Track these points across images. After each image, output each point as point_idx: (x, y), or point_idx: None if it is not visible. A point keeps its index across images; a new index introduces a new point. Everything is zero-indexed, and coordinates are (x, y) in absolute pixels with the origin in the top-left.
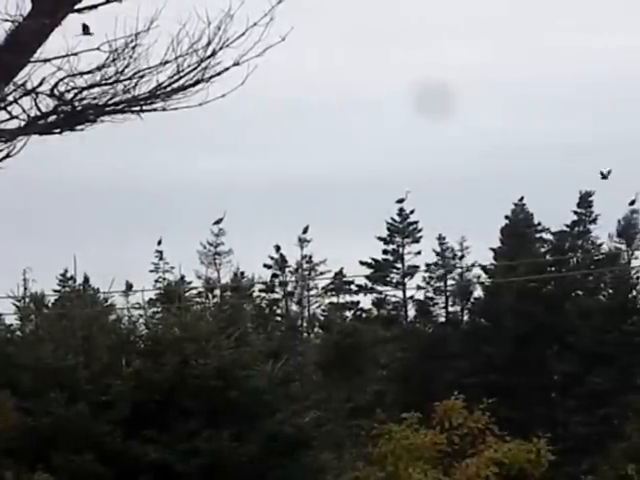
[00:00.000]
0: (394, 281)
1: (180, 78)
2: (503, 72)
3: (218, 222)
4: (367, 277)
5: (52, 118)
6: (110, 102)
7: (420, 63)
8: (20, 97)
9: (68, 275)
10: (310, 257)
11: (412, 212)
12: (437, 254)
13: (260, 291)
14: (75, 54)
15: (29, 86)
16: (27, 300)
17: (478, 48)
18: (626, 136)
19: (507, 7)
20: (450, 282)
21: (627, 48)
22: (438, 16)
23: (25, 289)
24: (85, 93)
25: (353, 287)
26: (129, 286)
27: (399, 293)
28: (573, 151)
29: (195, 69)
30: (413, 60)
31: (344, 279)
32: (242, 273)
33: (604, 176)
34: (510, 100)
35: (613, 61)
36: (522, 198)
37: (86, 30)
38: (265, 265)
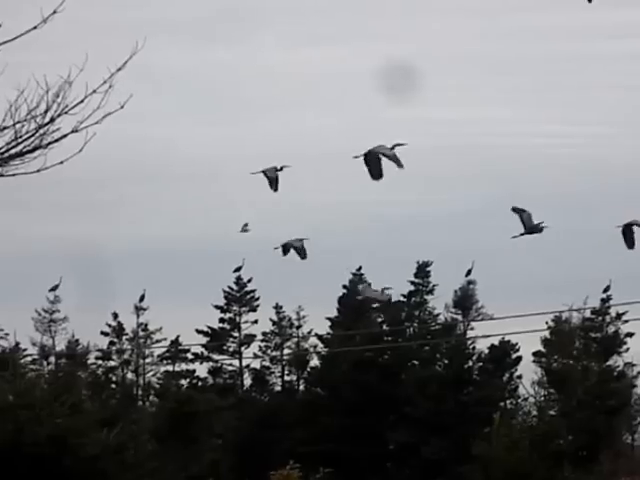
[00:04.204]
0: (230, 350)
1: (18, 144)
2: (329, 145)
3: (54, 289)
4: (203, 345)
5: None
6: None
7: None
8: None
9: None
10: (146, 325)
11: (249, 281)
12: (274, 323)
13: (96, 359)
14: None
15: None
16: None
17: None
18: (459, 208)
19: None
20: (286, 351)
21: (462, 120)
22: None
23: None
24: None
25: (189, 355)
26: None
27: (235, 362)
28: (410, 221)
29: (33, 135)
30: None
31: (180, 347)
32: (77, 340)
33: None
34: (346, 170)
35: (439, 132)
36: (360, 267)
37: None
38: (102, 332)
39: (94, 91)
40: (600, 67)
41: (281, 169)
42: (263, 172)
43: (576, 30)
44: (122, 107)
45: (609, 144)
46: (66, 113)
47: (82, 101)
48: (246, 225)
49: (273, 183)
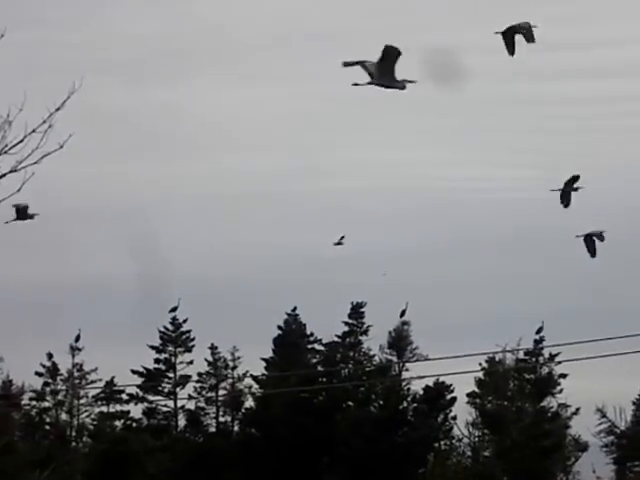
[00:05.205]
0: (166, 390)
1: None
2: (262, 186)
3: None
4: (138, 386)
5: None
6: None
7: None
8: None
9: None
10: (81, 365)
11: (185, 321)
12: (209, 363)
13: (30, 399)
14: None
15: None
16: None
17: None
18: (393, 248)
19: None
20: (221, 392)
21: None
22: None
23: None
24: None
25: (124, 396)
26: None
27: (170, 402)
28: (344, 262)
29: None
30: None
31: (115, 388)
32: (11, 381)
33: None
34: (280, 211)
35: (374, 174)
36: (295, 308)
37: None
38: (37, 373)
39: (33, 131)
40: (530, 110)
41: (575, 185)
42: (562, 190)
43: (507, 72)
44: (62, 147)
45: (538, 187)
46: (5, 153)
47: (21, 141)
48: (342, 238)
49: (565, 198)
